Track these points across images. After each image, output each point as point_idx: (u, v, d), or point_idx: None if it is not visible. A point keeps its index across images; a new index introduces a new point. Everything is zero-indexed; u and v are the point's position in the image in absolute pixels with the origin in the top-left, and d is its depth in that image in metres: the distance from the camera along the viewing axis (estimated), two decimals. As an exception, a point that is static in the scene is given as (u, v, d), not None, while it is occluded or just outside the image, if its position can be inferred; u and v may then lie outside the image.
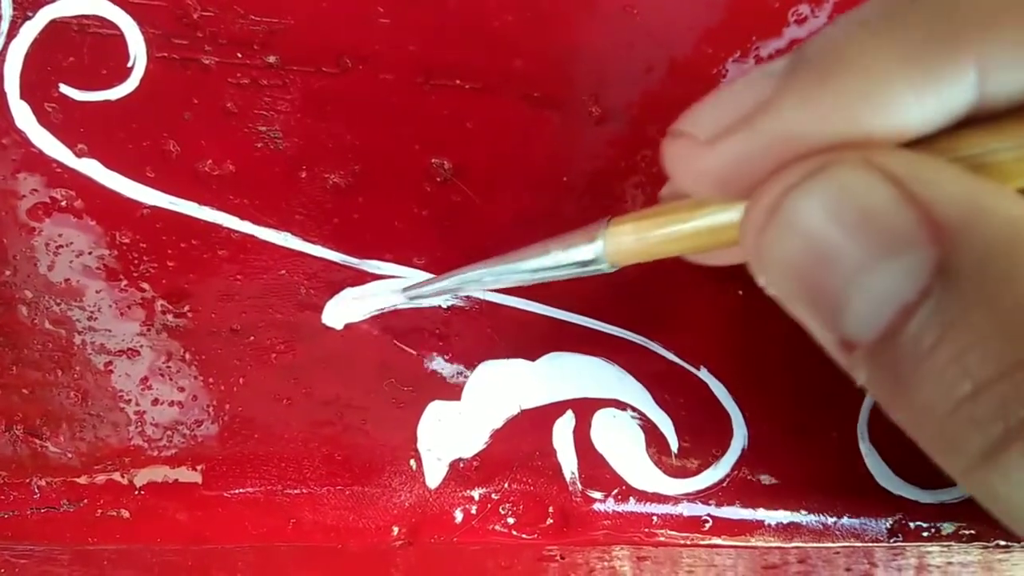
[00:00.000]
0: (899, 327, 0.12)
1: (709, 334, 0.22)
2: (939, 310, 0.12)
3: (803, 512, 0.21)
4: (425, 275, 0.21)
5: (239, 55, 0.21)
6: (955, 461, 0.12)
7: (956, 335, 0.12)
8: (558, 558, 0.23)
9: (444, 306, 0.21)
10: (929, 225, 0.12)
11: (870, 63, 0.12)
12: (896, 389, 0.13)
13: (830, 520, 0.21)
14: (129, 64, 0.21)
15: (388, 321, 0.21)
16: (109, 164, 0.20)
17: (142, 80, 0.21)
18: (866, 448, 0.22)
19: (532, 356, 0.21)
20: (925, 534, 0.21)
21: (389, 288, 0.21)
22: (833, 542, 0.20)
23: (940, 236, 0.12)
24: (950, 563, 0.27)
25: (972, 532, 0.21)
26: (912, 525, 0.21)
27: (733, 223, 0.14)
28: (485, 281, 0.19)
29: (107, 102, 0.21)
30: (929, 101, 0.12)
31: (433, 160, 0.22)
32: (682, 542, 0.20)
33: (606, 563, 0.25)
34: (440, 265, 0.21)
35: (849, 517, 0.21)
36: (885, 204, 0.12)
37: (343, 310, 0.21)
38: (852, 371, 0.13)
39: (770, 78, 0.13)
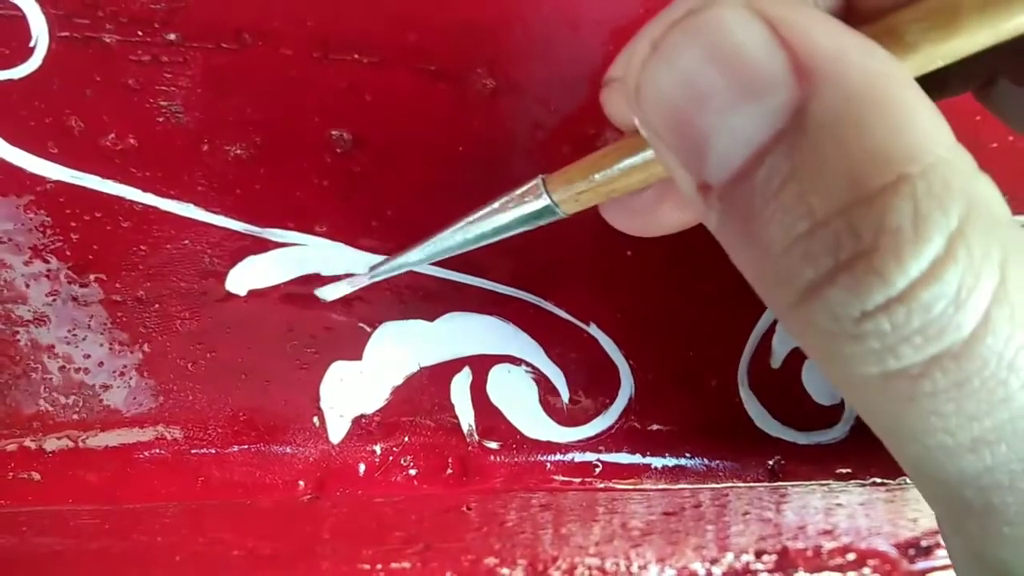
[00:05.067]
0: (752, 168, 0.13)
1: (598, 292, 0.23)
2: (790, 152, 0.12)
3: (687, 456, 0.22)
4: (327, 242, 0.22)
5: (140, 33, 0.22)
6: (784, 295, 0.13)
7: (802, 176, 0.12)
8: (465, 509, 0.24)
9: (343, 273, 0.22)
10: (795, 69, 0.12)
11: None
12: (741, 230, 0.13)
13: (713, 463, 0.22)
14: (31, 44, 0.21)
15: (290, 287, 0.22)
16: (12, 140, 0.21)
17: (44, 59, 0.21)
18: (745, 394, 0.23)
19: (430, 317, 0.22)
20: (804, 473, 0.22)
21: (291, 256, 0.22)
22: (717, 483, 0.22)
23: (802, 81, 0.12)
24: (839, 504, 0.28)
25: (848, 471, 0.23)
26: (791, 466, 0.22)
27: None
28: (444, 250, 0.20)
29: (9, 81, 0.21)
30: None
31: (332, 132, 0.22)
32: (575, 486, 0.21)
33: (515, 513, 0.25)
34: (341, 233, 0.22)
35: (731, 459, 0.22)
36: (756, 45, 0.13)
37: (246, 277, 0.21)
38: (706, 216, 0.14)
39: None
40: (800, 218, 0.12)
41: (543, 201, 0.18)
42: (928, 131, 0.12)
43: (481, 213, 0.19)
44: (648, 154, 0.16)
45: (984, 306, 0.12)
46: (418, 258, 0.21)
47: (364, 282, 0.22)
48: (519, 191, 0.19)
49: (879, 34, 0.13)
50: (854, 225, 0.12)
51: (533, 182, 0.19)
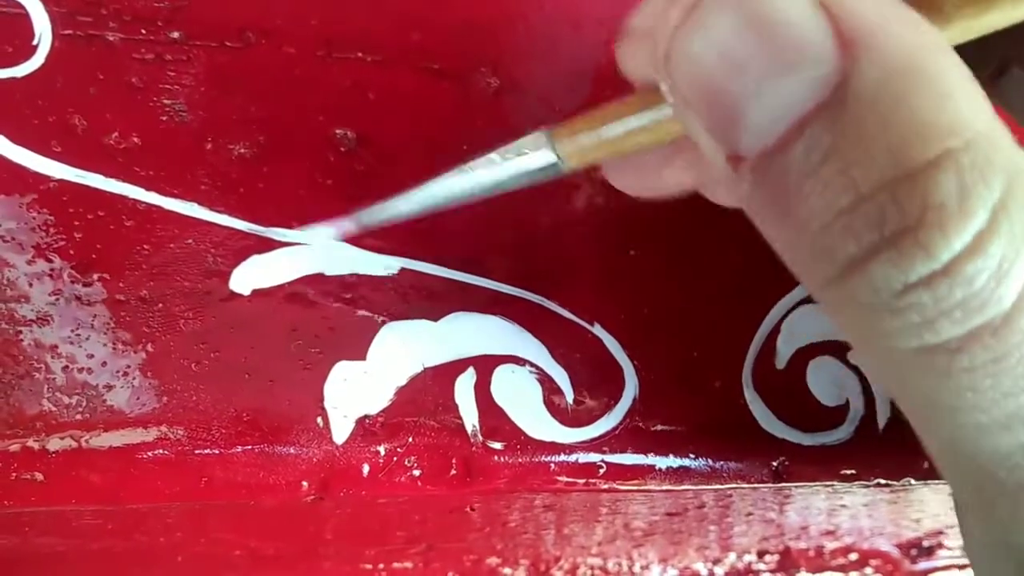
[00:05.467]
0: (791, 140, 0.12)
1: (602, 292, 0.23)
2: (832, 125, 0.12)
3: (691, 456, 0.22)
4: (331, 242, 0.22)
5: (143, 31, 0.22)
6: (822, 270, 0.13)
7: (845, 149, 0.12)
8: (468, 509, 0.24)
9: (348, 273, 0.22)
10: (837, 39, 0.12)
11: None
12: (776, 204, 0.13)
13: (717, 464, 0.22)
14: (34, 42, 0.21)
15: (295, 286, 0.22)
16: (15, 139, 0.21)
17: (48, 57, 0.21)
18: (750, 395, 0.23)
19: (435, 317, 0.22)
20: (808, 474, 0.22)
21: (295, 255, 0.22)
22: (721, 484, 0.22)
23: (845, 52, 0.12)
24: (843, 505, 0.28)
25: (852, 472, 0.23)
26: (795, 467, 0.22)
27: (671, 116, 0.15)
28: (435, 200, 0.20)
29: (13, 79, 0.21)
30: None
31: (336, 131, 0.22)
32: (579, 487, 0.21)
33: (518, 513, 0.25)
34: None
35: (735, 460, 0.22)
36: (799, 13, 0.12)
37: (250, 277, 0.21)
38: (734, 186, 0.13)
39: None
40: (842, 193, 0.12)
41: (546, 154, 0.17)
42: (970, 105, 0.12)
43: (479, 162, 0.19)
44: (663, 113, 0.15)
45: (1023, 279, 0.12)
46: (408, 208, 0.20)
47: (352, 229, 0.21)
48: (521, 142, 0.18)
49: (917, 3, 0.13)
50: (899, 200, 0.12)
51: (536, 133, 0.18)
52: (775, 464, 0.23)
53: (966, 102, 0.12)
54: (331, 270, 0.22)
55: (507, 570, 0.32)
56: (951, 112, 0.12)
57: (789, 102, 0.12)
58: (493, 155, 0.18)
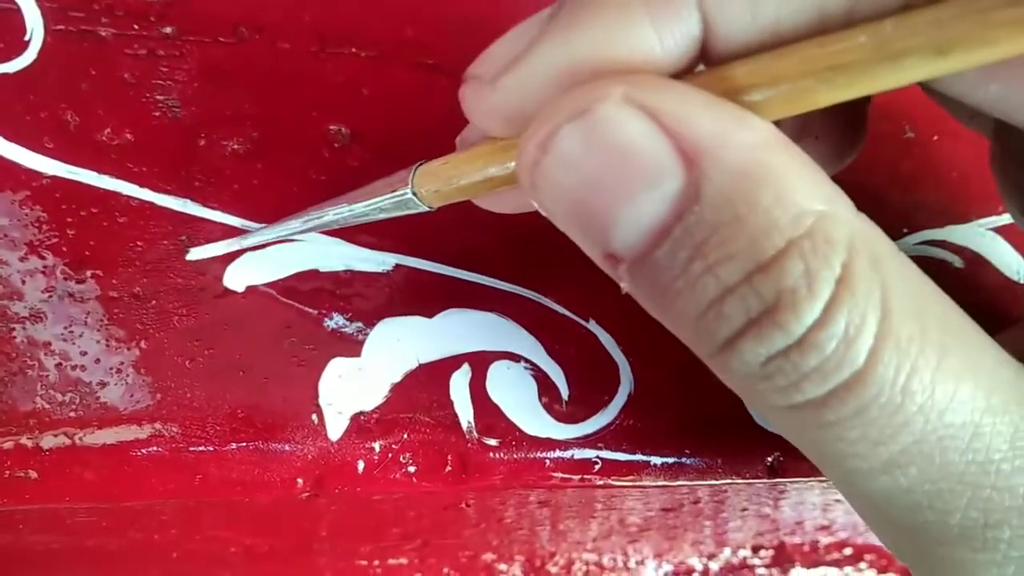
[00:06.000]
0: (656, 245, 0.14)
1: (597, 289, 0.23)
2: (691, 230, 0.14)
3: (686, 453, 0.22)
4: (325, 238, 0.22)
5: (136, 27, 0.22)
6: (705, 348, 0.15)
7: (707, 252, 0.13)
8: (464, 506, 0.24)
9: (342, 270, 0.22)
10: (680, 154, 0.13)
11: (615, 1, 0.14)
12: (656, 297, 0.15)
13: (712, 460, 0.22)
14: (26, 37, 0.21)
15: (289, 282, 0.22)
16: (7, 135, 0.21)
17: (40, 52, 0.21)
18: (745, 391, 0.23)
19: (430, 313, 0.22)
20: (803, 470, 0.22)
21: (289, 252, 0.22)
22: (716, 479, 0.22)
23: (689, 164, 0.13)
24: (837, 500, 0.28)
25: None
26: (790, 463, 0.22)
27: None
28: (316, 224, 0.21)
29: (5, 75, 0.21)
30: (667, 34, 0.14)
31: (331, 126, 0.22)
32: (574, 483, 0.21)
33: (513, 509, 0.25)
34: (339, 229, 0.22)
35: (730, 456, 0.22)
36: (641, 137, 0.14)
37: (244, 273, 0.21)
38: (618, 280, 0.15)
39: (539, 21, 0.15)
40: (709, 288, 0.14)
41: (408, 192, 0.18)
42: (806, 190, 0.13)
43: (355, 194, 0.20)
44: (512, 165, 0.16)
45: (871, 340, 0.13)
46: (293, 229, 0.21)
47: (235, 246, 0.22)
48: (393, 178, 0.19)
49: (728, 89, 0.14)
50: (757, 288, 0.13)
51: (407, 171, 0.19)
52: (769, 459, 0.23)
53: (803, 189, 0.13)
54: (325, 266, 0.22)
55: (502, 566, 0.32)
56: (791, 203, 0.13)
57: (649, 213, 0.14)
58: (371, 187, 0.19)
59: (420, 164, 0.18)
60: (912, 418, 0.13)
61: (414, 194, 0.18)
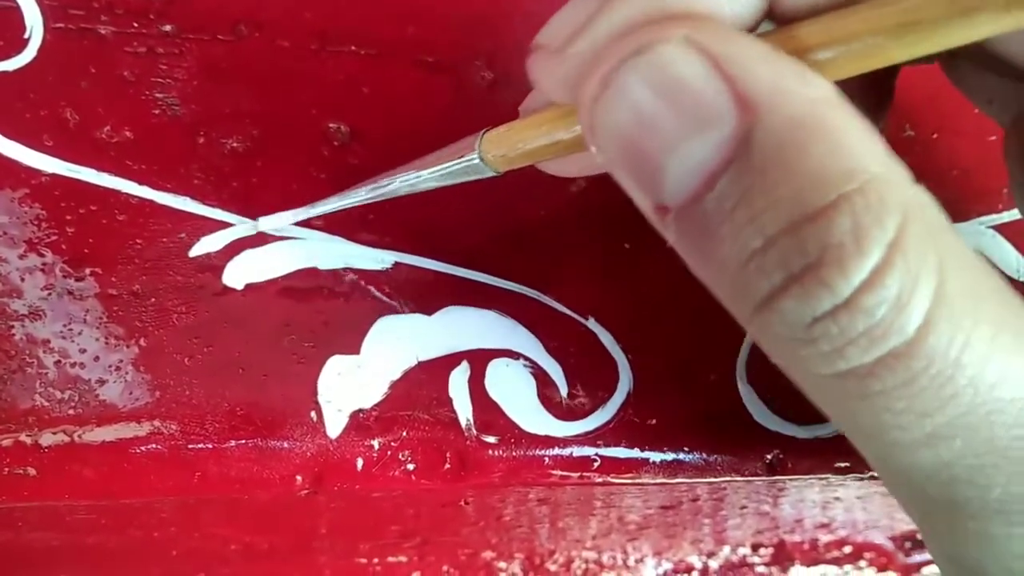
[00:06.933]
0: (704, 192, 0.14)
1: (597, 286, 0.23)
2: (739, 178, 0.13)
3: (685, 450, 0.22)
4: (324, 236, 0.22)
5: (135, 24, 0.22)
6: (744, 306, 0.14)
7: (752, 199, 0.13)
8: (463, 503, 0.24)
9: (342, 267, 0.22)
10: (736, 100, 0.13)
11: None
12: (699, 247, 0.14)
13: (711, 457, 0.22)
14: (25, 35, 0.21)
15: (288, 280, 0.22)
16: (7, 133, 0.21)
17: (39, 50, 0.21)
18: (744, 388, 0.23)
19: (429, 311, 0.22)
20: (802, 467, 0.22)
21: (289, 249, 0.22)
22: (715, 477, 0.22)
23: (745, 110, 0.13)
24: (837, 497, 0.28)
25: (847, 465, 0.23)
26: (790, 460, 0.22)
27: None
28: (383, 192, 0.21)
29: (4, 73, 0.21)
30: None
31: (330, 124, 0.22)
32: (573, 481, 0.21)
33: (512, 507, 0.25)
34: (338, 227, 0.22)
35: (729, 454, 0.22)
36: (698, 79, 0.13)
37: (243, 271, 0.21)
38: (664, 232, 0.15)
39: None
40: (752, 237, 0.13)
41: (475, 158, 0.19)
42: (862, 150, 0.13)
43: (423, 161, 0.20)
44: (577, 128, 0.16)
45: (925, 308, 0.13)
46: (360, 198, 0.21)
47: (303, 216, 0.22)
48: (459, 144, 0.19)
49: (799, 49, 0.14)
50: (802, 242, 0.13)
51: (474, 137, 0.19)
52: (769, 457, 0.23)
53: (860, 148, 0.13)
54: (325, 264, 0.22)
55: (502, 564, 0.32)
56: (845, 158, 0.13)
57: (700, 158, 0.13)
58: (436, 155, 0.20)
59: (487, 130, 0.19)
60: (962, 391, 0.13)
61: (481, 159, 0.19)
